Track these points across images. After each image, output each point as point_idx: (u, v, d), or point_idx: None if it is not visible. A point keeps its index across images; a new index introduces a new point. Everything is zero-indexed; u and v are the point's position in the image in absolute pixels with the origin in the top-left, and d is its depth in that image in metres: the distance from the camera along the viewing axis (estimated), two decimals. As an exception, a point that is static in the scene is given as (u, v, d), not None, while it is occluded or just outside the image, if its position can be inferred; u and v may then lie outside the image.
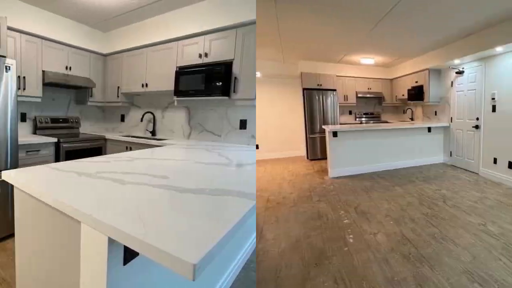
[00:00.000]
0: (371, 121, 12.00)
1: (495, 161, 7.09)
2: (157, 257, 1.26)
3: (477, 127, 7.66)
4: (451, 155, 8.84)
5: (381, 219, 4.82)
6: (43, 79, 6.38)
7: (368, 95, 11.65)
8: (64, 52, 6.86)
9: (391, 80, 12.03)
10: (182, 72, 6.14)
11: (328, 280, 3.21)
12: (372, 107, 12.45)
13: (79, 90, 7.82)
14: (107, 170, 2.79)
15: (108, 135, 7.22)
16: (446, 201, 5.58)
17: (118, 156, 3.75)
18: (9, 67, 4.77)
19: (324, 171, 8.10)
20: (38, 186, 2.13)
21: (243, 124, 6.06)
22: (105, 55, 7.94)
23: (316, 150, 10.10)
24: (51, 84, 6.64)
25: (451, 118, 8.81)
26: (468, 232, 4.27)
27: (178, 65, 6.30)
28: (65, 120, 7.42)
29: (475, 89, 7.73)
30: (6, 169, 4.82)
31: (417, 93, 9.77)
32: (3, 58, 4.72)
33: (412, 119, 11.46)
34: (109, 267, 1.59)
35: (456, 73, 8.40)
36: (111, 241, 1.56)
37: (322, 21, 6.00)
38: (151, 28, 7.01)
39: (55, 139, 6.00)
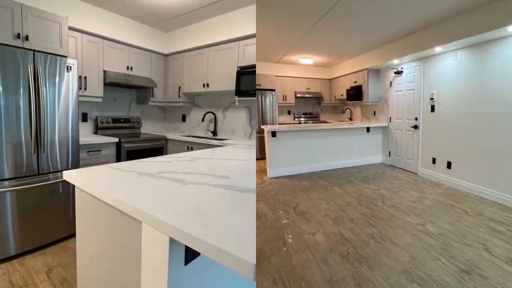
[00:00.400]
0: (310, 121, 12.14)
1: (434, 161, 7.29)
2: (218, 257, 1.26)
3: (416, 127, 7.81)
4: (390, 155, 8.98)
5: (320, 219, 4.85)
6: (104, 79, 6.52)
7: (307, 95, 11.80)
8: (125, 52, 6.99)
9: (330, 80, 12.19)
10: (243, 72, 6.16)
11: (267, 280, 3.21)
12: (311, 107, 12.59)
13: (140, 90, 7.98)
14: (169, 170, 2.82)
15: (169, 135, 7.33)
16: (385, 201, 5.66)
17: (180, 156, 3.79)
18: (70, 67, 4.89)
19: (263, 171, 8.06)
20: (99, 186, 2.17)
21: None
22: (166, 55, 8.06)
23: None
24: (112, 84, 6.78)
25: (390, 118, 8.94)
26: (407, 232, 4.33)
27: (239, 65, 6.32)
28: (127, 120, 7.57)
29: (414, 89, 7.87)
30: (67, 169, 4.94)
31: (356, 93, 9.89)
32: (64, 58, 4.84)
33: (351, 119, 11.58)
34: (170, 267, 1.60)
35: (395, 73, 8.49)
36: (172, 241, 1.57)
37: (260, 20, 5.97)
38: (213, 28, 7.08)
39: (116, 139, 6.13)
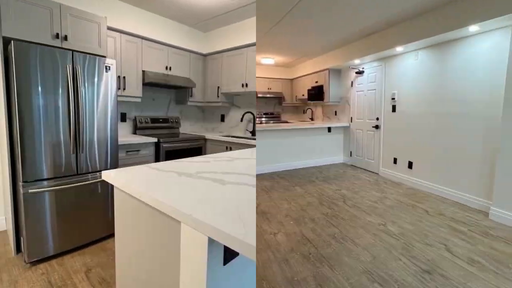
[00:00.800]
0: (271, 121, 12.16)
1: (395, 161, 7.37)
2: (258, 257, 1.26)
3: (377, 127, 7.82)
4: (351, 155, 9.01)
5: (281, 219, 4.87)
6: (143, 79, 6.59)
7: (268, 95, 11.88)
8: (164, 52, 7.05)
9: (292, 80, 12.22)
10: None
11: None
12: (272, 107, 12.64)
13: (179, 90, 8.06)
14: (207, 170, 2.85)
15: (208, 135, 7.38)
16: (346, 201, 5.70)
17: (218, 156, 3.81)
18: (109, 67, 4.95)
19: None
20: (138, 186, 2.20)
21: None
22: (204, 55, 8.10)
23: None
24: (151, 84, 6.85)
25: (351, 118, 8.97)
26: (368, 232, 4.37)
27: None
28: (165, 120, 7.65)
29: (375, 89, 7.87)
30: (106, 169, 5.00)
31: (317, 93, 9.90)
32: (103, 58, 4.91)
33: (312, 119, 11.57)
34: (209, 267, 1.61)
35: (356, 73, 8.49)
36: (211, 241, 1.59)
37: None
38: (251, 28, 7.11)
39: (155, 139, 6.19)
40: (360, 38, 7.34)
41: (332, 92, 9.43)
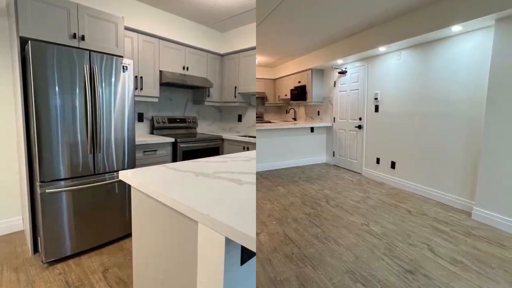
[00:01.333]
0: None
1: (378, 161, 7.48)
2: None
3: (360, 127, 7.88)
4: (334, 155, 9.08)
5: (264, 219, 4.86)
6: (160, 79, 6.61)
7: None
8: (181, 52, 7.07)
9: (274, 80, 12.23)
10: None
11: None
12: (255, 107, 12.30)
13: (196, 90, 8.07)
14: (225, 170, 2.85)
15: (225, 135, 7.38)
16: (329, 201, 5.76)
17: (236, 156, 3.82)
18: (126, 67, 4.97)
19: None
20: (155, 186, 2.21)
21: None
22: (222, 55, 8.11)
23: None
24: (168, 84, 6.87)
25: (334, 118, 9.03)
26: (351, 232, 4.43)
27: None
28: (183, 120, 7.67)
29: (358, 89, 7.92)
30: (123, 169, 5.03)
31: (300, 93, 9.96)
32: (120, 58, 4.92)
33: (295, 119, 11.63)
34: (226, 267, 1.62)
35: (339, 73, 8.54)
36: (228, 241, 1.59)
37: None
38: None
39: (172, 139, 6.20)
40: (343, 38, 7.40)
41: (315, 92, 9.53)
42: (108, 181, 4.84)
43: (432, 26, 5.12)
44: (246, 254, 1.73)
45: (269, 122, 11.75)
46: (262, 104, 12.66)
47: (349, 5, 5.22)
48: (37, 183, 4.15)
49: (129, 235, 5.15)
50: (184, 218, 1.92)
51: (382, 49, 6.55)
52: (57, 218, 4.32)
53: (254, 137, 7.13)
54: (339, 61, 8.09)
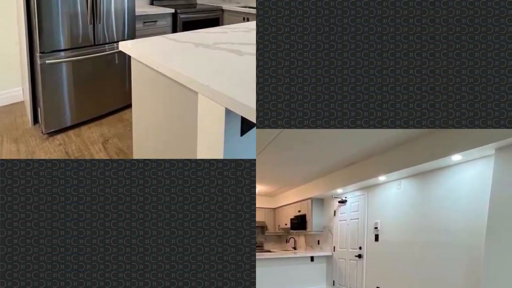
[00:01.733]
0: None
1: None
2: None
3: (360, 256, 7.47)
4: (334, 284, 8.63)
5: None
6: None
7: None
8: None
9: (275, 209, 11.71)
10: None
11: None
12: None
13: (196, -41, 7.79)
14: (225, 41, 2.80)
15: (225, 6, 7.27)
16: None
17: (236, 26, 3.79)
18: None
19: None
20: (155, 57, 2.19)
21: None
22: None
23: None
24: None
25: (334, 247, 8.44)
26: None
27: None
28: (182, -9, 7.46)
29: (358, 218, 7.40)
30: (123, 40, 4.96)
31: (300, 222, 9.36)
32: None
33: (295, 248, 11.19)
34: (226, 138, 1.65)
35: (339, 202, 8.11)
36: (228, 112, 1.60)
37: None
38: None
39: (172, 10, 6.11)
40: (342, 167, 7.12)
41: (315, 221, 9.19)
42: (108, 52, 4.81)
43: (431, 155, 4.97)
44: (246, 125, 1.75)
45: (269, 251, 11.67)
46: (261, 233, 12.38)
47: (346, 137, 5.07)
48: (37, 54, 4.11)
49: (128, 106, 5.15)
50: (184, 89, 1.91)
51: (382, 178, 6.26)
52: (57, 89, 4.34)
53: (255, 7, 7.03)
54: (339, 190, 7.75)
